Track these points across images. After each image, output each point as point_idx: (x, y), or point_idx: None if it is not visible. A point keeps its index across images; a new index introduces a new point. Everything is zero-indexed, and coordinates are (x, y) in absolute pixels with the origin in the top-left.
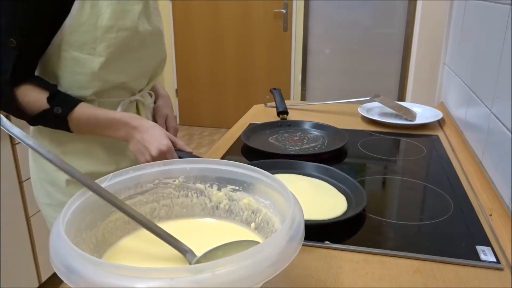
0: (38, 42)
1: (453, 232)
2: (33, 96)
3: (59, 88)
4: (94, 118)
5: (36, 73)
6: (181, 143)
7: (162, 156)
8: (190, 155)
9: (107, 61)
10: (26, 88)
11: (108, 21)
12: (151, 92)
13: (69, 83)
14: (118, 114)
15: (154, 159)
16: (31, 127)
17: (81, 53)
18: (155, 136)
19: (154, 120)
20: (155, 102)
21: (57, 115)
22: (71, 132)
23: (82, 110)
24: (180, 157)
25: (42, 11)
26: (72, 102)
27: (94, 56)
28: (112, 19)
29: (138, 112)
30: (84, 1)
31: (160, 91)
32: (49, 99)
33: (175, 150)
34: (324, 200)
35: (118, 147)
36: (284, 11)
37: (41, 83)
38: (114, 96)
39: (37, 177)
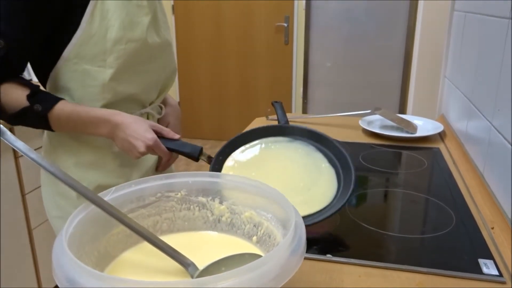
0: (30, 49)
1: (455, 245)
2: (14, 94)
3: (70, 101)
4: (75, 115)
5: (47, 87)
6: (167, 130)
7: (150, 150)
8: (178, 142)
9: (117, 73)
10: (7, 87)
11: (117, 33)
12: (162, 105)
13: (80, 96)
14: (99, 111)
15: (143, 154)
16: (44, 139)
17: (92, 66)
18: (139, 132)
19: None
20: None
21: (37, 112)
22: (53, 131)
23: (62, 107)
24: (168, 148)
25: (41, 23)
26: (52, 99)
27: (105, 68)
28: (121, 30)
29: None
30: (93, 14)
31: (169, 100)
32: (29, 97)
33: (163, 139)
34: (315, 182)
35: (129, 159)
36: (286, 24)
37: (23, 82)
38: (124, 109)
39: (49, 190)
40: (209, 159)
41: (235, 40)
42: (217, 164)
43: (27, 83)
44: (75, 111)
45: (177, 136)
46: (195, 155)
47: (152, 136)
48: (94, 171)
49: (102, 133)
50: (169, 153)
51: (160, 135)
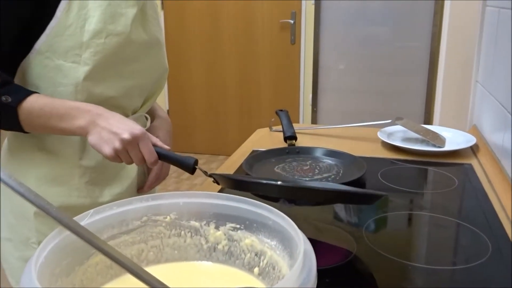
0: (4, 41)
1: (492, 278)
2: None
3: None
4: (49, 106)
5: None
6: (155, 139)
7: (134, 141)
8: (168, 151)
9: (94, 71)
10: None
11: (97, 25)
12: (147, 116)
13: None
14: (78, 102)
15: (124, 145)
16: (3, 146)
17: (65, 61)
18: (125, 122)
19: None
20: None
21: (5, 104)
22: (23, 131)
23: (35, 100)
24: (158, 153)
25: (15, 11)
26: (24, 91)
27: (79, 64)
28: (101, 22)
29: None
30: (71, 2)
31: (158, 112)
32: None
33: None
34: None
35: (101, 176)
36: (292, 21)
37: None
38: None
39: (1, 204)
40: (206, 173)
41: (234, 39)
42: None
43: None
44: (49, 103)
45: (167, 147)
46: (190, 163)
47: (140, 127)
48: (57, 188)
49: (79, 125)
50: (156, 156)
51: None
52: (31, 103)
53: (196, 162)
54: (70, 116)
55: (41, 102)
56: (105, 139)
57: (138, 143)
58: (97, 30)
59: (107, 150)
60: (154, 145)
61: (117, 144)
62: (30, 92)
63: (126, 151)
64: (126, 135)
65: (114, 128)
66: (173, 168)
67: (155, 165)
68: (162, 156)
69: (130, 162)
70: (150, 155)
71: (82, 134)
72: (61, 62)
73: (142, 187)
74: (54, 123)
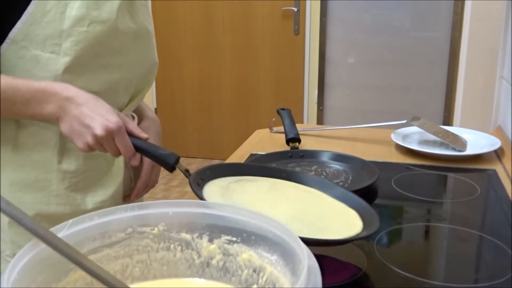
0: None
1: None
2: None
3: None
4: (12, 89)
5: None
6: (132, 124)
7: (109, 136)
8: (147, 143)
9: (75, 62)
10: None
11: (79, 11)
12: (134, 115)
13: None
14: (44, 83)
15: (98, 141)
16: None
17: (42, 52)
18: (99, 111)
19: None
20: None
21: None
22: None
23: None
24: (135, 146)
25: None
26: None
27: (59, 55)
28: (83, 8)
29: None
30: None
31: (146, 112)
32: None
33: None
34: (334, 214)
35: (82, 182)
36: (296, 9)
37: None
38: None
39: None
40: (187, 172)
41: (230, 29)
42: (198, 184)
43: None
44: (12, 84)
45: (145, 136)
46: (170, 161)
47: (117, 119)
48: (34, 194)
49: (48, 112)
50: (133, 150)
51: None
52: None
53: (177, 160)
54: (36, 100)
55: (2, 85)
56: (77, 132)
57: (113, 138)
58: (79, 16)
59: (80, 144)
60: (131, 134)
61: (90, 140)
62: None
63: (101, 144)
64: (99, 131)
65: (86, 120)
66: (162, 174)
67: (132, 158)
68: (140, 149)
69: (105, 152)
70: (126, 151)
71: (53, 120)
72: (38, 53)
73: (128, 195)
74: (21, 109)
